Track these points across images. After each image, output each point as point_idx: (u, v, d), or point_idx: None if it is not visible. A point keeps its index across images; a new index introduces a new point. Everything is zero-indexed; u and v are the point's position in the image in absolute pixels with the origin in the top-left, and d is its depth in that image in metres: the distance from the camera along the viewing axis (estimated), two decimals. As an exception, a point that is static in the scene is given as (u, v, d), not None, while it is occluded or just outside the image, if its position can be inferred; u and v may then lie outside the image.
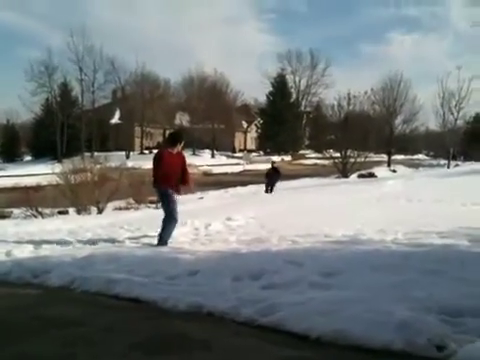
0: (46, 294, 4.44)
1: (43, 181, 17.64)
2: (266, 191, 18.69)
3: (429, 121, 53.29)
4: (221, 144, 62.31)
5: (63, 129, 52.34)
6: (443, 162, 42.55)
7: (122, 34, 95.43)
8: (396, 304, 2.97)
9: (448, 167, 35.53)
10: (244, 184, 25.10)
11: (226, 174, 39.02)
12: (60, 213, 14.63)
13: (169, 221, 6.51)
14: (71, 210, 14.66)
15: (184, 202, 15.41)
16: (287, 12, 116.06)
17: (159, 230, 6.53)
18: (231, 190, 22.43)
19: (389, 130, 48.49)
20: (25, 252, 6.36)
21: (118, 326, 3.28)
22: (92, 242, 6.97)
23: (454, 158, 43.73)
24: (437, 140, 50.40)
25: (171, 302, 3.60)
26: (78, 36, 52.50)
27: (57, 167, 17.26)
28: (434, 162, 50.38)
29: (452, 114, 40.98)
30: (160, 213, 6.90)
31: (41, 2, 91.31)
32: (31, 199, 14.70)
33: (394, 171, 37.09)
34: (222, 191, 22.04)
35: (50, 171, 17.40)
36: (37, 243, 7.03)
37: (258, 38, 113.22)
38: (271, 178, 19.17)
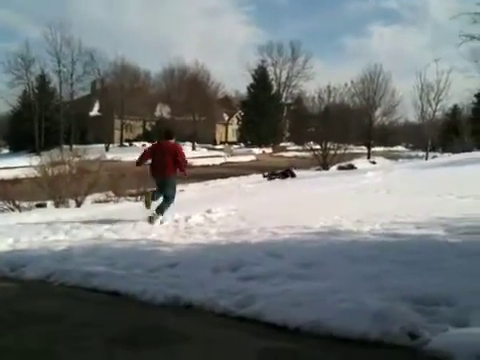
0: (23, 288, 4.38)
1: (21, 174, 17.34)
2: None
3: (408, 113, 54.26)
4: (202, 136, 62.06)
5: (41, 121, 51.50)
6: (422, 154, 43.17)
7: (101, 26, 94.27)
8: (372, 294, 3.02)
9: (426, 159, 36.05)
10: (225, 176, 25.08)
11: (207, 166, 38.95)
12: (38, 206, 14.43)
13: (172, 201, 8.14)
14: (49, 203, 14.47)
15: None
16: (267, 4, 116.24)
17: (160, 205, 7.97)
18: (212, 182, 22.39)
19: (369, 122, 49.01)
20: (2, 246, 6.25)
21: (96, 320, 3.26)
22: (70, 235, 6.90)
23: (432, 150, 44.38)
24: (416, 132, 51.04)
25: (150, 294, 3.59)
26: (56, 28, 51.56)
27: (35, 160, 16.97)
28: (413, 154, 51.10)
29: (430, 106, 41.58)
30: (139, 206, 7.25)
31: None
32: (8, 192, 14.45)
33: (374, 163, 37.51)
34: (203, 183, 21.96)
35: (28, 164, 17.13)
36: (14, 237, 6.92)
37: (238, 30, 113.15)
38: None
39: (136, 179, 15.38)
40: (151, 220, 7.57)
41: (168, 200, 8.07)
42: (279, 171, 21.85)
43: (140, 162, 8.57)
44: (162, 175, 8.18)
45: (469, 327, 2.53)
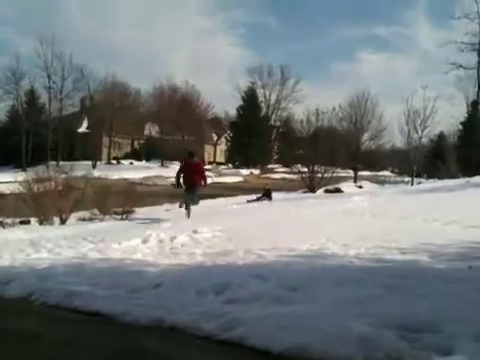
0: (4, 306, 4.31)
1: (6, 189, 17.12)
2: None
3: (395, 138, 54.56)
4: (190, 156, 62.01)
5: (29, 137, 51.19)
6: (407, 179, 43.53)
7: (93, 43, 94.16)
8: (357, 319, 3.01)
9: (411, 184, 36.35)
10: (213, 197, 24.98)
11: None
12: (22, 223, 14.18)
13: (196, 203, 11.73)
14: (33, 220, 14.26)
15: (151, 214, 15.25)
16: (257, 27, 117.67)
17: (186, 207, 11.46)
18: (199, 202, 22.28)
19: (356, 146, 49.43)
20: (-17, 263, 6.15)
21: (77, 340, 3.20)
22: (54, 253, 6.81)
23: (418, 175, 44.84)
24: (402, 157, 51.58)
25: (132, 316, 3.53)
26: (47, 43, 51.87)
27: (20, 175, 16.79)
28: (399, 179, 51.41)
29: (417, 132, 42.12)
30: (124, 224, 7.15)
31: (10, 8, 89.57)
32: (-8, 208, 14.24)
33: (360, 187, 37.65)
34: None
35: (13, 179, 16.93)
36: (-4, 253, 6.80)
37: (229, 51, 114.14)
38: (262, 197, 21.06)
39: (122, 197, 15.27)
40: (188, 216, 11.17)
41: (194, 203, 11.56)
42: (257, 196, 21.49)
43: (178, 183, 11.92)
44: (190, 186, 11.45)
45: (454, 355, 2.52)
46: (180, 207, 13.40)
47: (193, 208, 11.62)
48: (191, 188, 11.49)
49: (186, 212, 11.40)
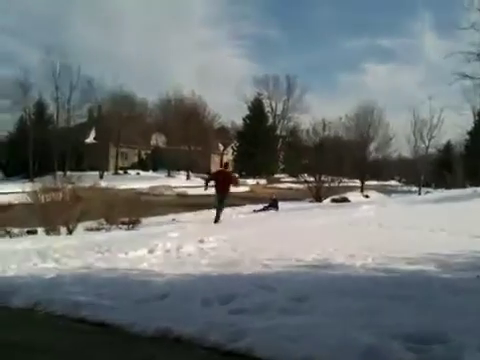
0: (9, 316, 4.30)
1: (14, 200, 17.25)
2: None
3: (402, 148, 54.52)
4: (197, 166, 62.25)
5: (37, 148, 51.54)
6: (415, 189, 43.39)
7: (100, 55, 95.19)
8: (363, 330, 2.99)
9: (419, 194, 36.21)
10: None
11: (201, 196, 38.86)
12: (29, 233, 14.27)
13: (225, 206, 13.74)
14: (40, 230, 14.33)
15: (157, 224, 15.27)
16: (262, 39, 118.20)
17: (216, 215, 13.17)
18: (205, 212, 22.29)
19: (363, 156, 49.38)
20: (-10, 272, 6.17)
21: (82, 351, 3.19)
22: (60, 263, 6.82)
23: (425, 185, 44.65)
24: (409, 167, 51.47)
25: (138, 326, 3.52)
26: (55, 55, 52.22)
27: (28, 186, 16.91)
28: (406, 188, 51.30)
29: (424, 142, 42.07)
30: (131, 234, 7.08)
31: (18, 20, 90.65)
32: (0, 218, 14.34)
33: (367, 196, 37.57)
34: (196, 213, 21.88)
35: (21, 190, 17.05)
36: (3, 263, 6.83)
37: (234, 63, 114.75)
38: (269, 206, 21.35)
39: (128, 208, 15.32)
40: (216, 222, 12.84)
41: (222, 207, 13.41)
42: (264, 205, 21.57)
43: (207, 186, 13.79)
44: (221, 193, 13.22)
45: (461, 366, 2.50)
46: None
47: (201, 217, 11.96)
48: (222, 194, 13.27)
49: (215, 216, 13.16)
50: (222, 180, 13.20)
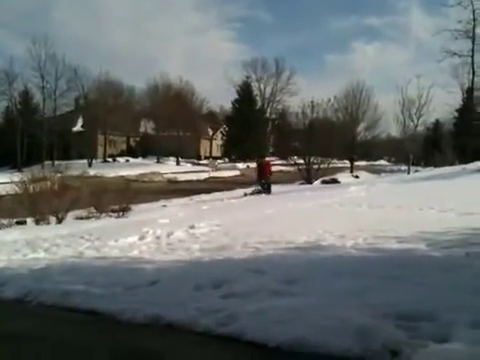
0: (0, 307, 4.27)
1: (1, 190, 17.05)
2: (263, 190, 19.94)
3: (390, 128, 54.58)
4: (186, 151, 62.08)
5: (23, 137, 51.03)
6: (404, 168, 43.57)
7: (85, 43, 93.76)
8: (354, 310, 2.99)
9: (408, 173, 36.38)
10: (209, 191, 25.01)
11: (191, 181, 38.86)
12: (18, 223, 14.13)
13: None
14: (29, 220, 14.21)
15: (148, 211, 15.22)
16: (252, 21, 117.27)
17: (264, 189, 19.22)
18: (196, 197, 22.29)
19: (352, 137, 49.44)
20: (-20, 264, 6.11)
21: (74, 340, 3.18)
22: (50, 253, 6.78)
23: (414, 164, 44.88)
24: (398, 146, 51.62)
25: (129, 314, 3.50)
26: (40, 44, 51.66)
27: (16, 176, 16.72)
28: (395, 168, 51.59)
29: (412, 121, 42.09)
30: (121, 222, 7.15)
31: (4, 10, 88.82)
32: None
33: (357, 177, 37.75)
34: (187, 199, 21.85)
35: (9, 180, 16.88)
36: (-8, 255, 6.77)
37: (223, 46, 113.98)
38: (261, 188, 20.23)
39: (118, 195, 15.23)
40: (260, 192, 18.89)
41: (269, 187, 19.57)
42: (254, 188, 21.21)
43: (262, 174, 19.98)
44: (263, 176, 19.77)
45: (450, 342, 2.51)
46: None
47: (192, 203, 11.75)
48: (263, 177, 19.81)
49: (265, 192, 19.05)
50: (262, 167, 20.16)
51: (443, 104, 47.62)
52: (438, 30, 21.54)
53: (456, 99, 48.13)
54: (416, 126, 42.47)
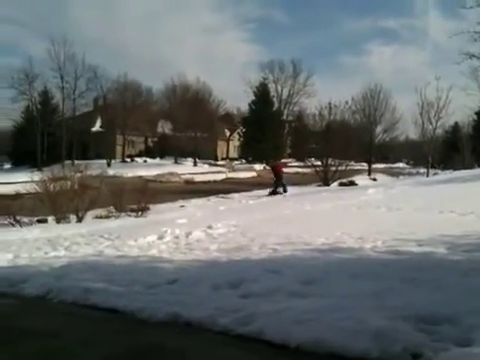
0: (21, 304, 4.34)
1: (22, 189, 17.33)
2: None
3: (409, 130, 54.05)
4: (203, 152, 62.26)
5: (43, 137, 51.73)
6: (422, 171, 43.11)
7: (104, 43, 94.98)
8: (373, 312, 2.98)
9: (427, 176, 35.97)
10: (226, 192, 25.07)
11: (208, 182, 38.94)
12: (39, 222, 14.38)
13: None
14: (50, 219, 14.43)
15: (166, 211, 15.32)
16: (268, 22, 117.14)
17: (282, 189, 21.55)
18: (213, 198, 22.37)
19: (369, 139, 49.05)
20: (2, 261, 6.25)
21: (94, 337, 3.22)
22: (71, 251, 6.88)
23: (433, 167, 44.35)
24: (416, 149, 51.08)
25: (148, 312, 3.54)
26: (60, 44, 52.14)
27: (36, 175, 16.99)
28: (414, 171, 51.01)
29: (431, 124, 41.62)
30: (140, 221, 7.17)
31: (23, 10, 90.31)
32: (9, 207, 14.44)
33: (374, 179, 37.47)
34: (204, 199, 21.95)
35: (29, 179, 17.14)
36: (14, 252, 6.91)
37: (240, 47, 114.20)
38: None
39: (136, 195, 15.37)
40: (276, 193, 21.02)
41: (284, 186, 21.60)
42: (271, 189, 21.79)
43: (276, 176, 22.25)
44: (279, 175, 22.06)
45: (472, 346, 2.49)
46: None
47: (210, 203, 11.74)
48: (279, 177, 22.09)
49: (282, 192, 21.04)
50: (277, 169, 22.86)
51: (462, 106, 46.90)
52: (456, 32, 21.15)
53: (475, 102, 47.40)
54: (435, 129, 42.01)
